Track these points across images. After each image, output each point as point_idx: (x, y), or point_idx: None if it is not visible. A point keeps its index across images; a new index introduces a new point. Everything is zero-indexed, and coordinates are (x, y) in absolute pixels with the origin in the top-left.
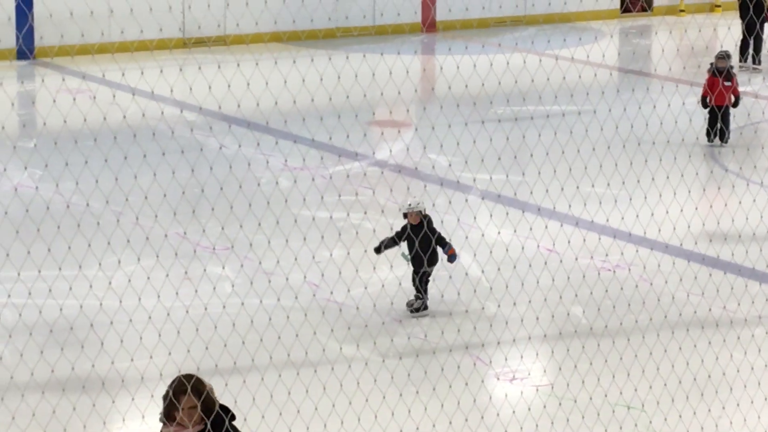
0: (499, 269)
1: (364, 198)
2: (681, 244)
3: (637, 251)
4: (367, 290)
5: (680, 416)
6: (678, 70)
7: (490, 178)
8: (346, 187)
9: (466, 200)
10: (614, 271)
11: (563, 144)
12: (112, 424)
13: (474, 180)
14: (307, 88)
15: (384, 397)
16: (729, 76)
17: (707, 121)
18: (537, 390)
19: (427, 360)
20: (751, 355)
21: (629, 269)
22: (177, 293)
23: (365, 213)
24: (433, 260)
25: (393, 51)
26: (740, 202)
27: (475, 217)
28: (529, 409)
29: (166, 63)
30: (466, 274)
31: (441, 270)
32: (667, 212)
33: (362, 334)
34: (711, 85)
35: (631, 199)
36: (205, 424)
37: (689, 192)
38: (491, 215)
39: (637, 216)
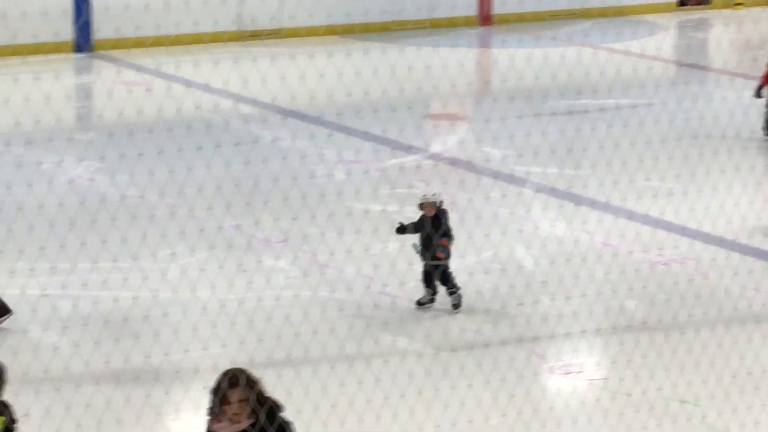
0: (552, 262)
1: (418, 191)
2: (736, 238)
3: (691, 245)
4: (420, 283)
5: (734, 411)
6: (734, 64)
7: (544, 171)
8: (399, 180)
9: (520, 194)
10: (668, 265)
11: (617, 137)
12: (165, 416)
13: (528, 173)
14: (362, 81)
15: (437, 390)
16: None
17: (764, 114)
18: (590, 384)
19: (480, 353)
20: None
21: (683, 263)
22: (231, 285)
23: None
24: (449, 254)
25: (448, 44)
26: None
27: (529, 210)
28: (583, 402)
29: (220, 56)
30: (520, 266)
31: (494, 263)
32: (722, 206)
33: (415, 326)
34: None
35: (685, 193)
36: (257, 418)
37: (744, 186)
38: (545, 208)
39: (692, 210)
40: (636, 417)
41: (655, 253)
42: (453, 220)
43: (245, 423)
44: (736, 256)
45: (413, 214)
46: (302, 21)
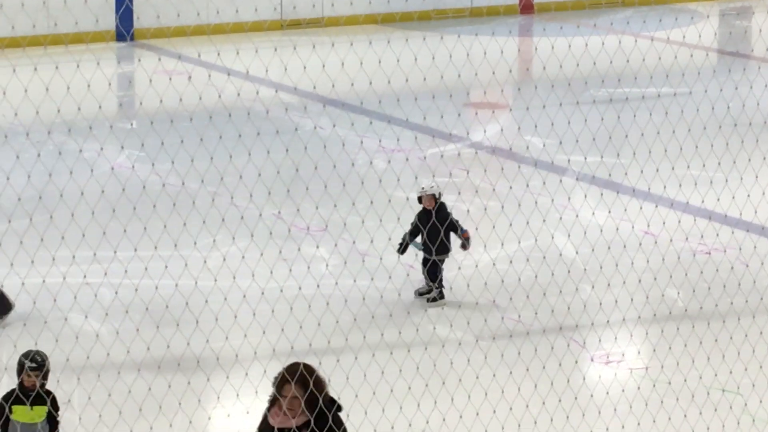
0: (593, 250)
1: (458, 179)
2: None
3: (732, 233)
4: (461, 271)
5: None
6: None
7: (585, 159)
8: (440, 168)
9: (561, 181)
10: (710, 253)
11: (658, 125)
12: (206, 403)
13: (568, 161)
14: (402, 69)
15: (477, 378)
16: None
17: None
18: (631, 372)
19: (520, 341)
20: None
21: (725, 251)
22: (271, 273)
23: (459, 194)
24: (443, 249)
25: (488, 32)
26: None
27: (569, 199)
28: (623, 391)
29: (261, 44)
30: (560, 255)
31: (534, 251)
32: (764, 194)
33: (456, 314)
34: None
35: (727, 181)
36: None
37: None
38: (585, 196)
39: (733, 198)
40: (677, 405)
41: (696, 241)
42: (494, 209)
43: (299, 419)
44: None
45: (454, 203)
46: (342, 9)
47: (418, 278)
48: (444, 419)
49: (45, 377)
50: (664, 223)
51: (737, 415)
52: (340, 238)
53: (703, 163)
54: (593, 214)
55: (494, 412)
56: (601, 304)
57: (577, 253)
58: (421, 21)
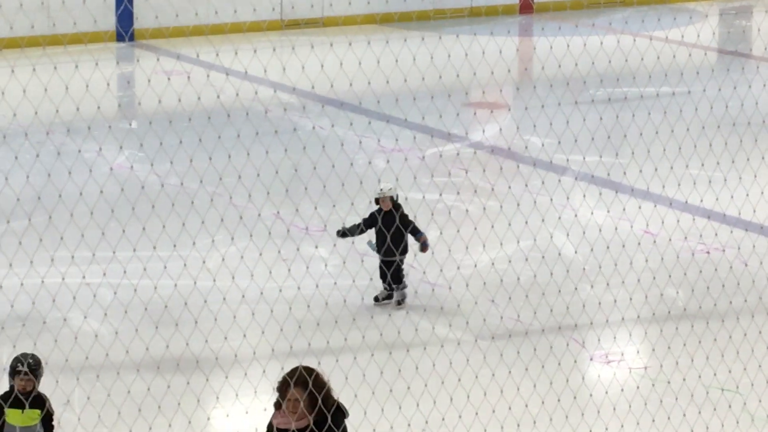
0: (592, 250)
1: (457, 179)
2: None
3: (731, 232)
4: (460, 271)
5: None
6: None
7: (584, 158)
8: (439, 167)
9: (560, 181)
10: (708, 253)
11: (657, 125)
12: (205, 403)
13: (567, 161)
14: (401, 69)
15: (476, 377)
16: None
17: None
18: (630, 371)
19: (519, 340)
20: None
21: (724, 250)
22: (270, 273)
23: (458, 194)
24: (404, 249)
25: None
26: None
27: (568, 198)
28: (622, 390)
29: (259, 44)
30: (560, 254)
31: (534, 251)
32: (762, 193)
33: (455, 314)
34: None
35: (725, 180)
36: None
37: None
38: (584, 196)
39: (732, 197)
40: (676, 405)
41: (695, 240)
42: (493, 208)
43: (301, 421)
44: None
45: (453, 203)
46: (341, 10)
47: (417, 278)
48: (443, 419)
49: (37, 381)
50: (662, 222)
51: (736, 414)
52: (338, 239)
53: (702, 163)
54: (592, 213)
55: (493, 411)
56: (600, 303)
57: (576, 252)
58: (419, 21)
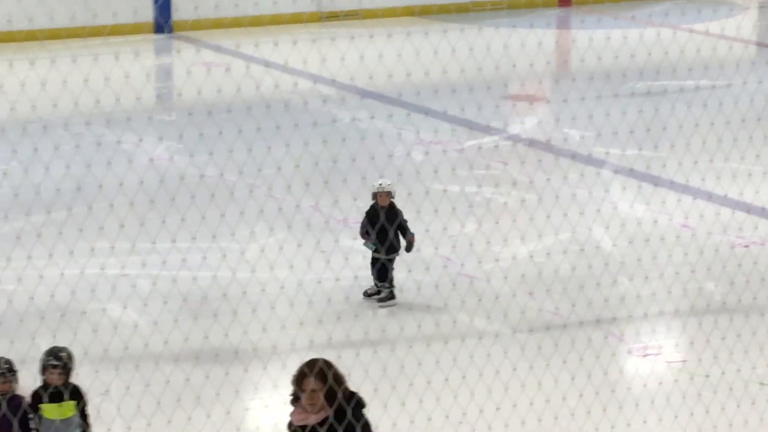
0: (631, 243)
1: (495, 171)
2: None
3: None
4: (499, 263)
5: None
6: None
7: (623, 151)
8: (477, 160)
9: (599, 174)
10: (748, 246)
11: (697, 118)
12: (244, 394)
13: (606, 154)
14: (440, 61)
15: (514, 370)
16: None
17: None
18: (668, 365)
19: (557, 333)
20: None
21: (763, 244)
22: (309, 265)
23: (497, 186)
24: (393, 248)
25: (526, 24)
26: None
27: (607, 191)
28: (661, 384)
29: (299, 36)
30: (598, 247)
31: (572, 243)
32: None
33: (493, 307)
34: None
35: (765, 174)
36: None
37: None
38: (623, 189)
39: None
40: (714, 399)
41: (734, 234)
42: (531, 201)
43: (319, 415)
44: None
45: (491, 195)
46: (380, 2)
47: (454, 271)
48: (481, 411)
49: (68, 373)
50: (702, 215)
51: None
52: None
53: (742, 156)
54: (631, 206)
55: (531, 404)
56: (638, 296)
57: (614, 245)
58: (459, 13)
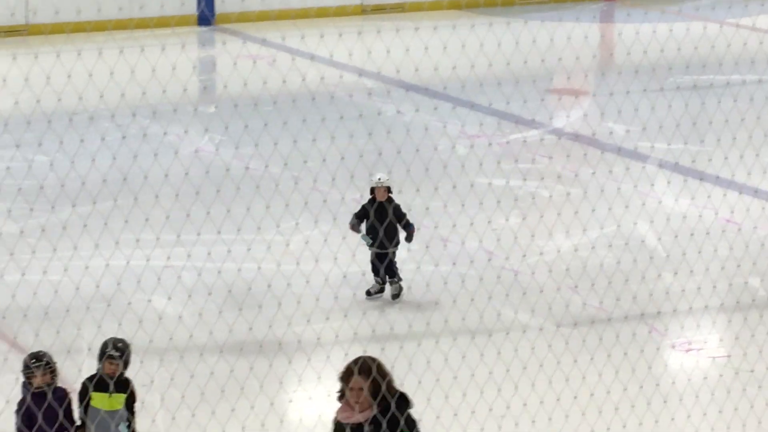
0: (675, 237)
1: (540, 165)
2: None
3: None
4: (543, 257)
5: None
6: None
7: (668, 146)
8: (522, 153)
9: (644, 168)
10: None
11: (743, 112)
12: (288, 385)
13: (652, 148)
14: (485, 55)
15: (558, 363)
16: None
17: None
18: (713, 360)
19: (602, 327)
20: None
21: None
22: (353, 257)
23: (542, 180)
24: (396, 242)
25: (572, 18)
26: None
27: (652, 185)
28: (705, 378)
29: (344, 28)
30: (643, 241)
31: (617, 238)
32: None
33: (537, 300)
34: None
35: None
36: (378, 410)
37: None
38: (669, 183)
39: None
40: (759, 394)
41: None
42: (576, 195)
43: (365, 413)
44: None
45: (536, 189)
46: None
47: (498, 265)
48: (525, 404)
49: (125, 365)
50: (747, 210)
51: None
52: (421, 223)
53: None
54: (676, 201)
55: (575, 397)
56: (683, 291)
57: (659, 240)
58: (504, 6)
